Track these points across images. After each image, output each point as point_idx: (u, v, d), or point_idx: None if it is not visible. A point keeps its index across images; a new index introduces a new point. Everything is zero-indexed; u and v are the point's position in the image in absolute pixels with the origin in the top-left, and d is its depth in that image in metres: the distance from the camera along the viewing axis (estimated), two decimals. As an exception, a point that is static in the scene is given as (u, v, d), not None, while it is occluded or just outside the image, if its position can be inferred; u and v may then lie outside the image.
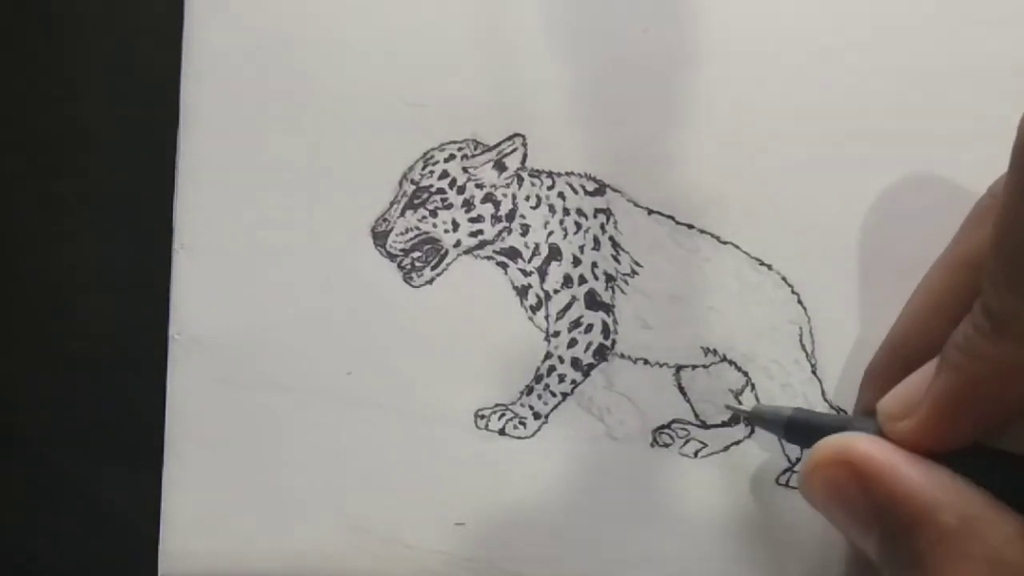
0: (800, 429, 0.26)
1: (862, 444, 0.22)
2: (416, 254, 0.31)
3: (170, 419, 0.31)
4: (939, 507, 0.20)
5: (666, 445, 0.30)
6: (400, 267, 0.31)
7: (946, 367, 0.21)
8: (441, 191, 0.31)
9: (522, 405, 0.31)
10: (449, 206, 0.31)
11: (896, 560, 0.21)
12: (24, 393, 0.31)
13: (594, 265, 0.31)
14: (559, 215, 0.31)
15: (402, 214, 0.31)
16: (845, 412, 0.30)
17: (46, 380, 0.31)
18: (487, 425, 0.30)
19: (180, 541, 0.30)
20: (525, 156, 0.31)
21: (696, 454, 0.30)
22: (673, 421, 0.30)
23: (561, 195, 0.31)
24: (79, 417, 0.31)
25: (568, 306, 0.31)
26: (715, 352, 0.31)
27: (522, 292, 0.31)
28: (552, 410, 0.31)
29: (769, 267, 0.31)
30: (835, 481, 0.22)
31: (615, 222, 0.31)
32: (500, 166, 0.31)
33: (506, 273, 0.31)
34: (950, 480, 0.21)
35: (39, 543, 0.31)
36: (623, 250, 0.31)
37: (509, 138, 0.31)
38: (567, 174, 0.31)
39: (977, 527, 0.20)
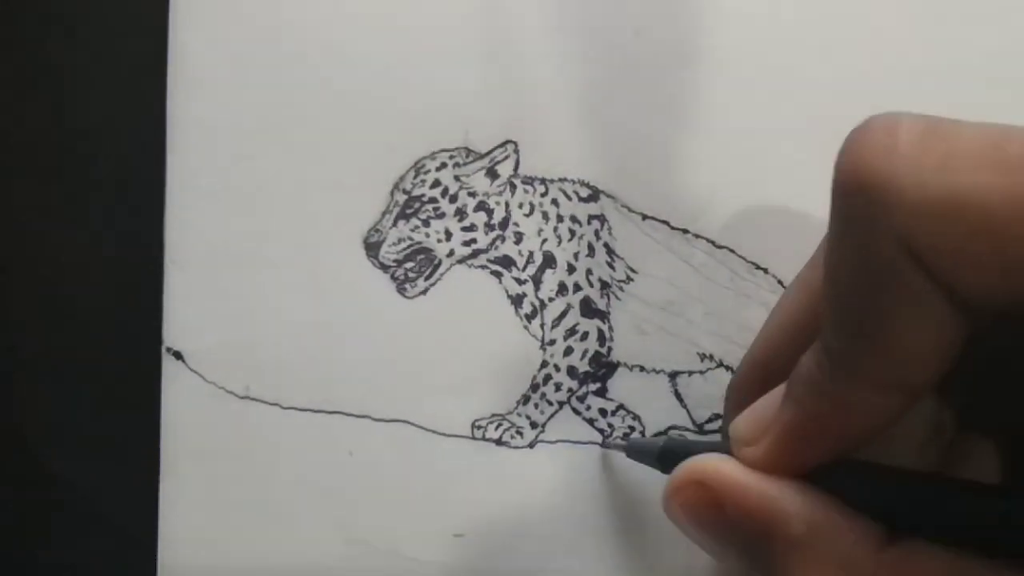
0: (673, 458, 0.25)
1: (714, 464, 0.22)
2: (409, 264, 0.31)
3: (165, 434, 0.30)
4: (787, 517, 0.21)
5: (664, 452, 0.30)
6: (393, 278, 0.31)
7: (790, 400, 0.21)
8: (433, 200, 0.31)
9: (519, 414, 0.30)
10: (442, 215, 0.31)
11: (756, 573, 0.22)
12: (20, 405, 0.31)
13: (589, 272, 0.31)
14: (553, 222, 0.31)
15: (394, 224, 0.31)
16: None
17: (43, 392, 0.31)
18: (484, 435, 0.30)
19: (178, 555, 0.30)
20: (517, 163, 0.31)
21: (694, 460, 0.30)
22: (670, 428, 0.30)
23: (555, 202, 0.31)
24: (75, 430, 0.31)
25: (563, 314, 0.31)
26: (711, 358, 0.30)
27: (517, 301, 0.31)
28: (549, 419, 0.31)
29: (765, 271, 0.30)
30: (691, 502, 0.23)
31: (609, 228, 0.31)
32: (492, 174, 0.31)
33: (500, 282, 0.31)
34: (798, 491, 0.21)
35: (35, 557, 0.31)
36: (618, 256, 0.31)
37: (501, 145, 0.31)
38: (560, 180, 0.31)
39: (825, 533, 0.20)
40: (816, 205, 0.30)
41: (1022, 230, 0.17)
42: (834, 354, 0.20)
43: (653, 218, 0.31)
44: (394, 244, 0.31)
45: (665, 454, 0.26)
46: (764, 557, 0.21)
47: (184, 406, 0.30)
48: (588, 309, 0.31)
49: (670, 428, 0.30)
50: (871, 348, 0.19)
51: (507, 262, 0.31)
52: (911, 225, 0.18)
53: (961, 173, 0.18)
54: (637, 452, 0.28)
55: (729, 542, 0.22)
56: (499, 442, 0.30)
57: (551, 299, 0.31)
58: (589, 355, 0.31)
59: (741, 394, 0.26)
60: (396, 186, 0.31)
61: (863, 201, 0.18)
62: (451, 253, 0.31)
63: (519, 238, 0.31)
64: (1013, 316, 0.18)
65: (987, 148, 0.18)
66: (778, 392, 0.22)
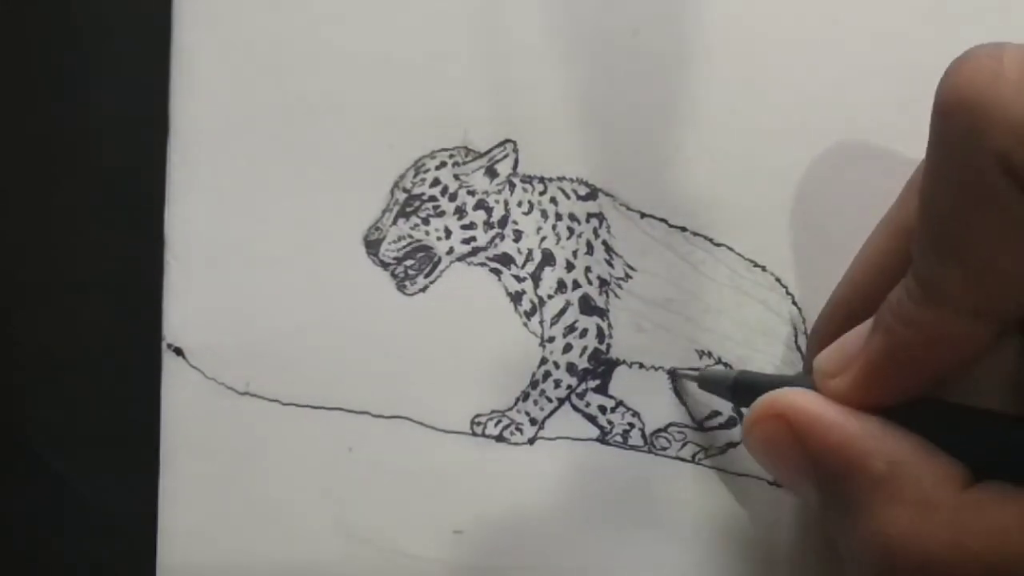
0: (746, 390, 0.26)
1: (795, 398, 0.22)
2: (409, 262, 0.31)
3: (165, 430, 0.30)
4: (869, 454, 0.21)
5: (663, 449, 0.30)
6: (393, 275, 0.31)
7: (879, 330, 0.21)
8: (433, 199, 0.31)
9: (518, 411, 0.31)
10: (441, 213, 0.31)
11: (833, 508, 0.22)
12: (20, 402, 0.31)
13: (587, 270, 0.31)
14: (551, 220, 0.31)
15: (394, 222, 0.31)
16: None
17: (43, 389, 0.31)
18: (484, 431, 0.30)
19: (177, 553, 0.30)
20: (516, 162, 0.31)
21: (694, 457, 0.30)
22: (670, 424, 0.30)
23: (553, 200, 0.31)
24: (75, 427, 0.31)
25: (562, 311, 0.31)
26: (710, 355, 0.31)
27: (516, 298, 0.31)
28: (548, 415, 0.31)
29: (763, 269, 0.31)
30: (771, 435, 0.23)
31: (608, 226, 0.31)
32: (492, 172, 0.31)
33: (500, 279, 0.31)
34: (880, 428, 0.21)
35: (35, 555, 0.31)
36: (616, 254, 0.31)
37: (500, 144, 0.31)
38: (559, 179, 0.31)
39: (906, 471, 0.20)
40: (814, 203, 0.31)
41: None
42: (925, 281, 0.20)
43: (651, 216, 0.31)
44: (394, 242, 0.31)
45: (738, 386, 0.26)
46: (844, 493, 0.21)
47: (184, 402, 0.30)
48: (587, 306, 0.31)
49: (670, 425, 0.30)
50: (963, 273, 0.19)
51: (506, 260, 0.31)
52: (1012, 144, 0.18)
53: None
54: (709, 382, 0.28)
55: (808, 476, 0.22)
56: (499, 439, 0.30)
57: (550, 296, 0.31)
58: (588, 352, 0.31)
59: (824, 335, 0.26)
60: (396, 185, 0.31)
61: (965, 120, 0.18)
62: (451, 251, 0.31)
63: (518, 236, 0.31)
64: None
65: None
66: (865, 326, 0.22)
